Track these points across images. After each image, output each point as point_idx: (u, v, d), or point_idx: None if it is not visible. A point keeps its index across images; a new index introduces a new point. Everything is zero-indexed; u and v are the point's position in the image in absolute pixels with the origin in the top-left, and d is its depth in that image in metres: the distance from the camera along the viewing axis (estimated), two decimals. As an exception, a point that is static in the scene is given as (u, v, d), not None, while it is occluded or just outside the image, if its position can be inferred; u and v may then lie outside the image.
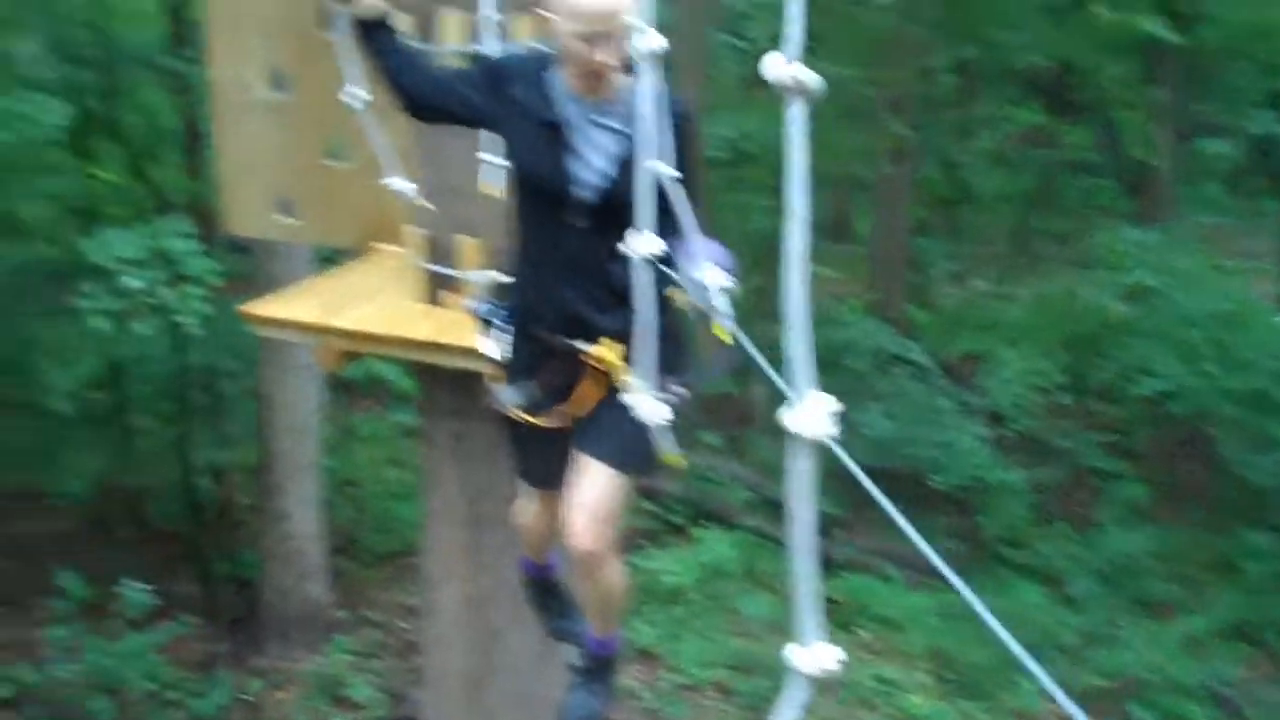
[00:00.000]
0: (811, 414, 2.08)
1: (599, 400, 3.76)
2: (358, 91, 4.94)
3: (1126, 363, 15.73)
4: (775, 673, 10.99)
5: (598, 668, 4.32)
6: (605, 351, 3.69)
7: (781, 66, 1.83)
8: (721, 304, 3.16)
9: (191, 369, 12.56)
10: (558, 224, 3.72)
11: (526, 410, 3.87)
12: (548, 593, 4.62)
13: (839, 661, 2.24)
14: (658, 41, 3.04)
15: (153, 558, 12.67)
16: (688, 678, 11.71)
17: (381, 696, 11.18)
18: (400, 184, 5.37)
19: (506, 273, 4.15)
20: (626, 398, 3.46)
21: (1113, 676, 12.07)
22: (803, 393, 2.12)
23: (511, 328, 3.92)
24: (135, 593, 10.76)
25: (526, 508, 4.28)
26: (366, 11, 3.92)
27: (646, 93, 2.98)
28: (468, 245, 5.78)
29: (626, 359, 3.60)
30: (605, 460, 3.72)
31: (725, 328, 3.14)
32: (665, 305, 3.49)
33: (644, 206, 3.17)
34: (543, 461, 3.99)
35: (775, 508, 15.38)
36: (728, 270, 3.26)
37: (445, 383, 6.13)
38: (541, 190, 3.72)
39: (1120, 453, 16.64)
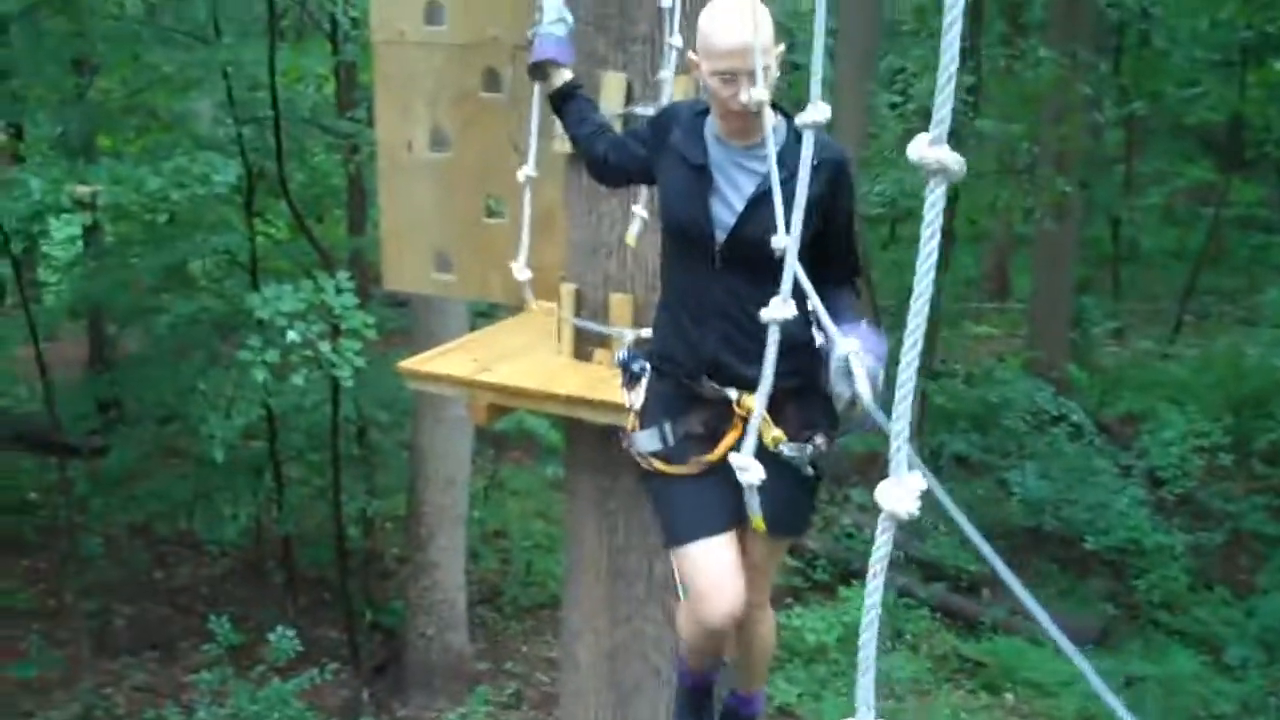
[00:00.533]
0: (903, 492, 2.14)
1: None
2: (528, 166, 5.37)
3: (1294, 425, 15.25)
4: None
5: None
6: (754, 405, 3.45)
7: (925, 148, 1.82)
8: (866, 393, 3.05)
9: (345, 420, 12.86)
10: (701, 268, 3.68)
11: (662, 457, 3.77)
12: (698, 708, 4.39)
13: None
14: (822, 114, 2.80)
15: (301, 604, 12.96)
16: (778, 639, 11.57)
17: (518, 749, 11.25)
18: (520, 270, 5.56)
19: (653, 321, 4.11)
20: (783, 451, 3.52)
21: None
22: (901, 472, 2.20)
23: (652, 373, 3.88)
24: (282, 639, 10.96)
25: (686, 614, 3.95)
26: (559, 84, 4.13)
27: (807, 158, 2.78)
28: (617, 301, 5.85)
29: (777, 414, 3.53)
30: (784, 532, 3.82)
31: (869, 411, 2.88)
32: (815, 356, 3.48)
33: (790, 261, 2.94)
34: (693, 503, 3.78)
35: (921, 567, 15.19)
36: (878, 356, 3.24)
37: (591, 437, 6.19)
38: (685, 233, 3.70)
39: (1284, 517, 16.09)
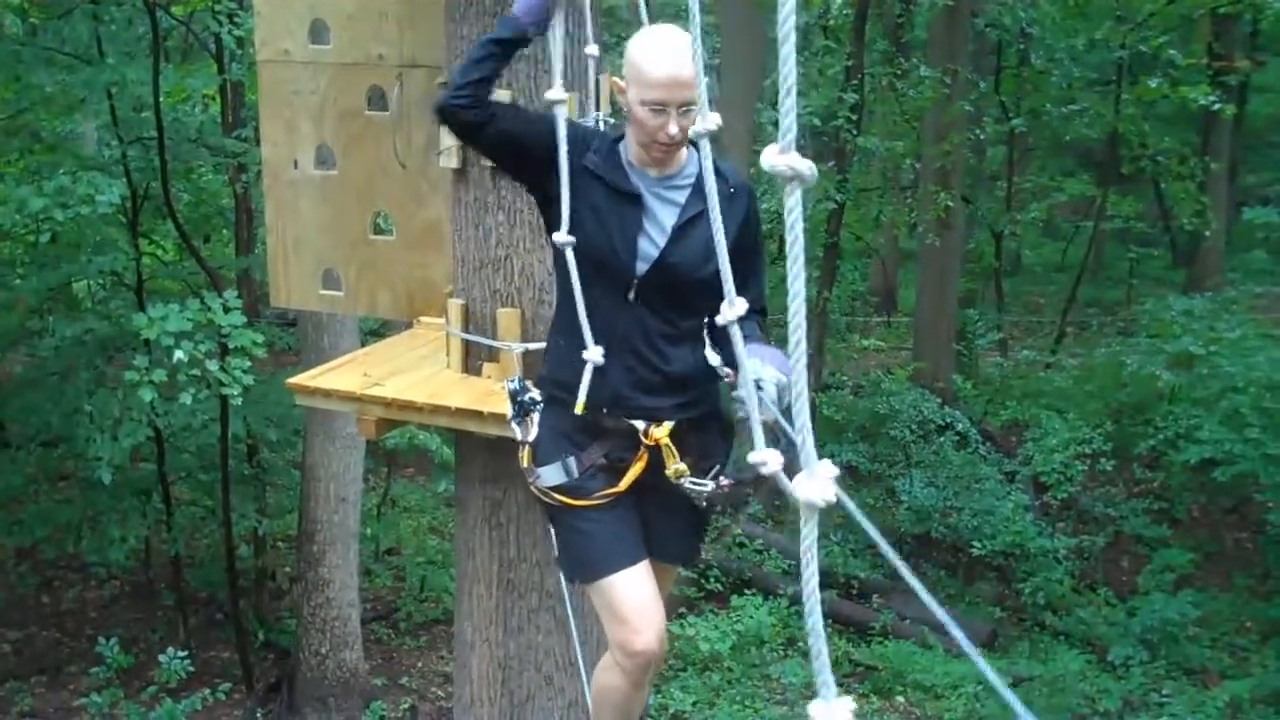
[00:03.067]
0: (818, 482, 2.25)
1: (652, 488, 3.61)
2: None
3: (1172, 430, 15.63)
4: (807, 739, 10.94)
5: None
6: (664, 437, 3.54)
7: (776, 156, 1.88)
8: (776, 403, 3.07)
9: (235, 439, 12.78)
10: (612, 299, 3.58)
11: (568, 491, 3.64)
12: None
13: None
14: (714, 121, 2.77)
15: (192, 625, 12.85)
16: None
17: (413, 764, 11.24)
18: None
19: (547, 349, 3.95)
20: (685, 485, 3.51)
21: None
22: (812, 463, 2.32)
23: (546, 404, 3.77)
24: (173, 660, 10.88)
25: (609, 660, 3.82)
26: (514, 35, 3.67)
27: (709, 170, 2.54)
28: (504, 315, 5.92)
29: (680, 444, 3.53)
30: (677, 562, 3.90)
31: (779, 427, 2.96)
32: (715, 386, 3.52)
33: (726, 281, 2.89)
34: (600, 541, 3.66)
35: (814, 576, 15.36)
36: (783, 370, 3.19)
37: (481, 450, 6.25)
38: (603, 263, 3.56)
39: (1165, 520, 16.51)
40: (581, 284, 3.55)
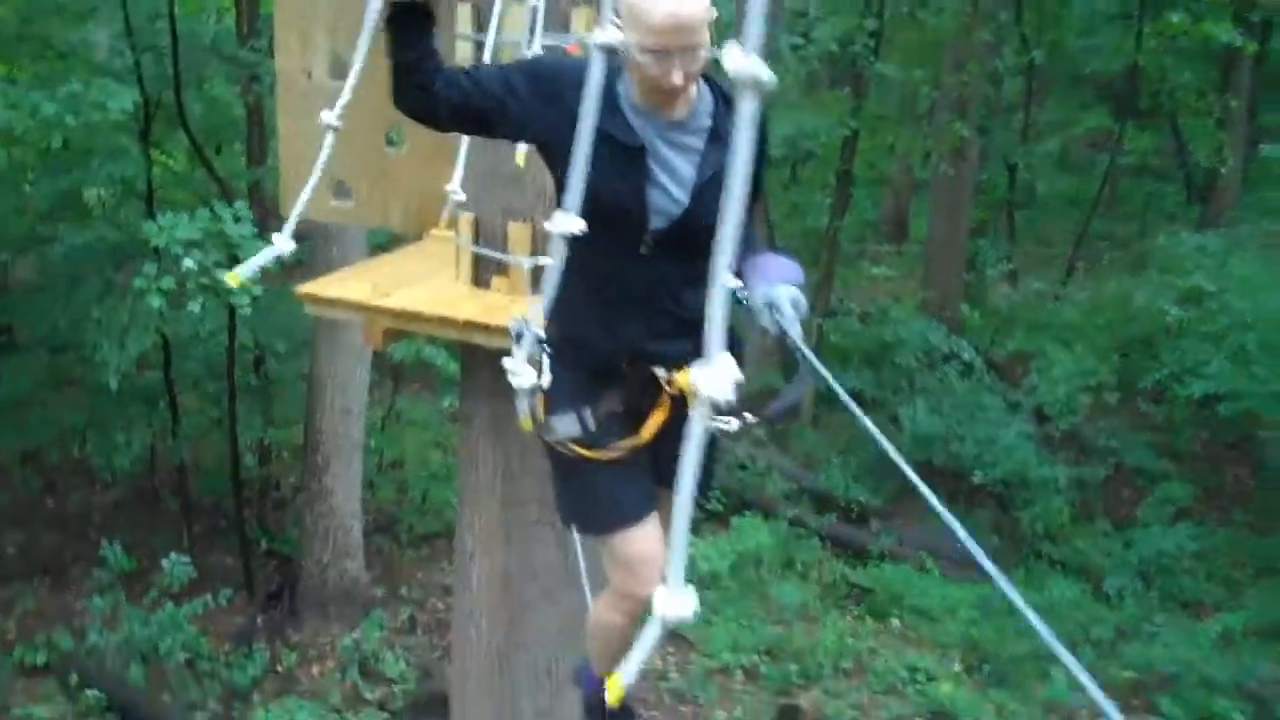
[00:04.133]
0: (717, 375, 2.29)
1: (675, 429, 3.11)
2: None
3: (1178, 366, 15.62)
4: (804, 658, 11.14)
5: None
6: (685, 380, 3.18)
7: (740, 59, 1.83)
8: (795, 328, 2.97)
9: (241, 350, 12.83)
10: (624, 254, 3.32)
11: (583, 442, 3.42)
12: (611, 716, 4.02)
13: (694, 611, 2.39)
14: (764, 72, 2.23)
15: (195, 532, 12.96)
16: (718, 662, 11.81)
17: (412, 671, 11.36)
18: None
19: (552, 302, 3.53)
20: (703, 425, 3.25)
21: (1144, 671, 12.00)
22: (714, 355, 2.32)
23: (556, 356, 3.46)
24: (176, 565, 10.99)
25: (609, 598, 3.72)
26: None
27: (745, 124, 2.20)
28: (516, 229, 5.92)
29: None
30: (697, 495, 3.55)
31: (797, 348, 2.92)
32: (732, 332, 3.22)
33: (731, 233, 2.48)
34: (612, 495, 3.48)
35: (815, 499, 15.48)
36: (799, 286, 3.05)
37: (487, 364, 6.27)
38: (610, 220, 3.23)
39: (1166, 453, 16.53)
40: (585, 237, 3.21)
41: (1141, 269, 20.08)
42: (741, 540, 13.47)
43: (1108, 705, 1.84)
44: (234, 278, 3.44)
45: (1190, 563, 14.27)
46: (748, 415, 3.15)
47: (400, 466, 15.26)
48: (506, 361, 3.49)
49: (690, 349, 3.05)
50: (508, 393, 6.34)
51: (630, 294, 3.34)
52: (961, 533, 2.11)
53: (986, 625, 12.98)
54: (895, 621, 13.28)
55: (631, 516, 3.46)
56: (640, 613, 3.57)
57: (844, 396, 2.66)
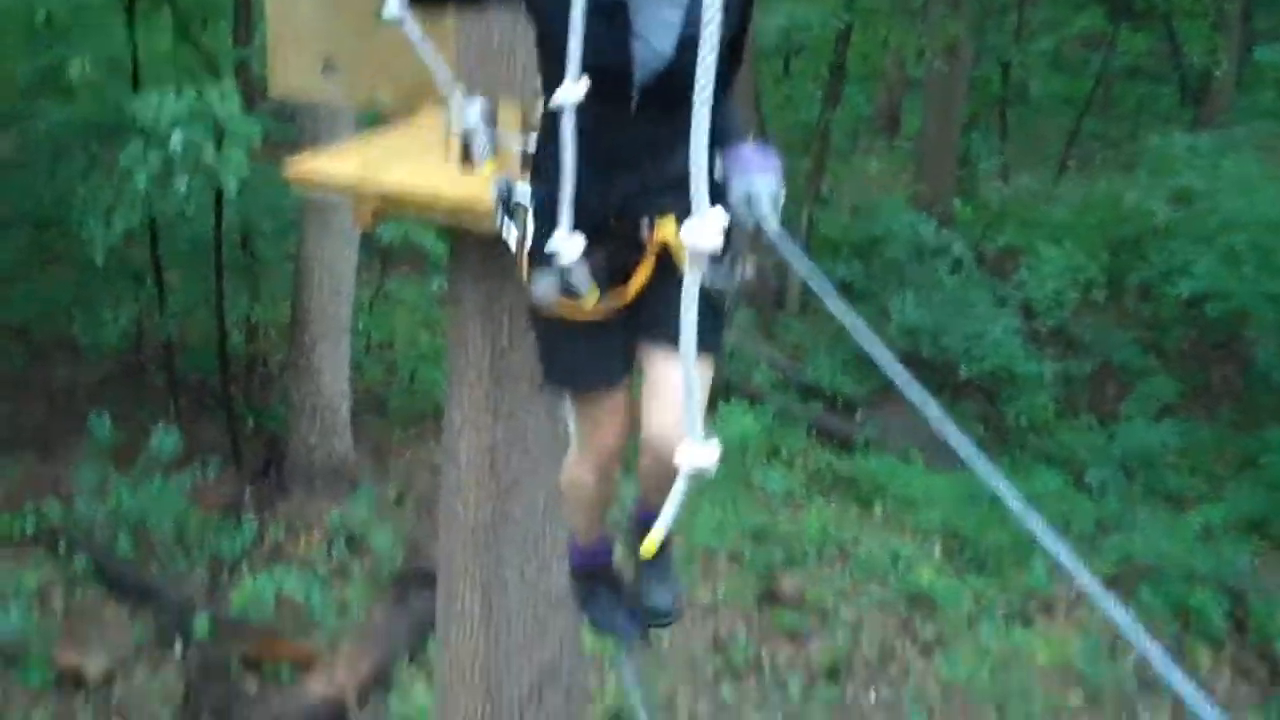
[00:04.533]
0: (703, 226, 2.45)
1: (652, 284, 3.24)
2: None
3: (1167, 265, 15.63)
4: (788, 543, 11.16)
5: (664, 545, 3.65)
6: (669, 231, 3.15)
7: None
8: (770, 216, 2.96)
9: (228, 229, 12.74)
10: (611, 112, 3.18)
11: (564, 303, 3.30)
12: (598, 582, 4.01)
13: (717, 460, 2.64)
14: None
15: (182, 407, 12.96)
16: (702, 546, 11.88)
17: (399, 546, 11.42)
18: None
19: (536, 157, 3.51)
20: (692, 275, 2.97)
21: (1124, 563, 12.13)
22: (700, 206, 2.44)
23: (541, 214, 3.33)
24: (164, 438, 10.98)
25: (576, 456, 3.69)
26: None
27: None
28: (506, 109, 5.84)
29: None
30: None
31: (772, 235, 2.94)
32: (720, 192, 3.15)
33: (706, 87, 2.51)
34: (588, 352, 3.41)
35: (801, 389, 15.53)
36: (774, 173, 3.05)
37: (476, 246, 6.23)
38: (598, 76, 3.09)
39: (1152, 351, 16.61)
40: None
41: (1133, 169, 20.02)
42: (727, 427, 13.49)
43: (1095, 587, 1.92)
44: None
45: (1173, 458, 14.39)
46: (742, 267, 3.21)
47: (388, 347, 15.25)
48: (499, 228, 3.49)
49: (676, 203, 3.05)
50: (497, 273, 6.36)
51: (619, 153, 3.24)
52: (952, 428, 2.15)
53: (968, 514, 13.08)
54: (878, 509, 13.38)
55: (601, 383, 3.42)
56: (608, 469, 3.57)
57: (823, 291, 2.71)
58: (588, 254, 3.23)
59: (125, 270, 12.82)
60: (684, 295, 2.62)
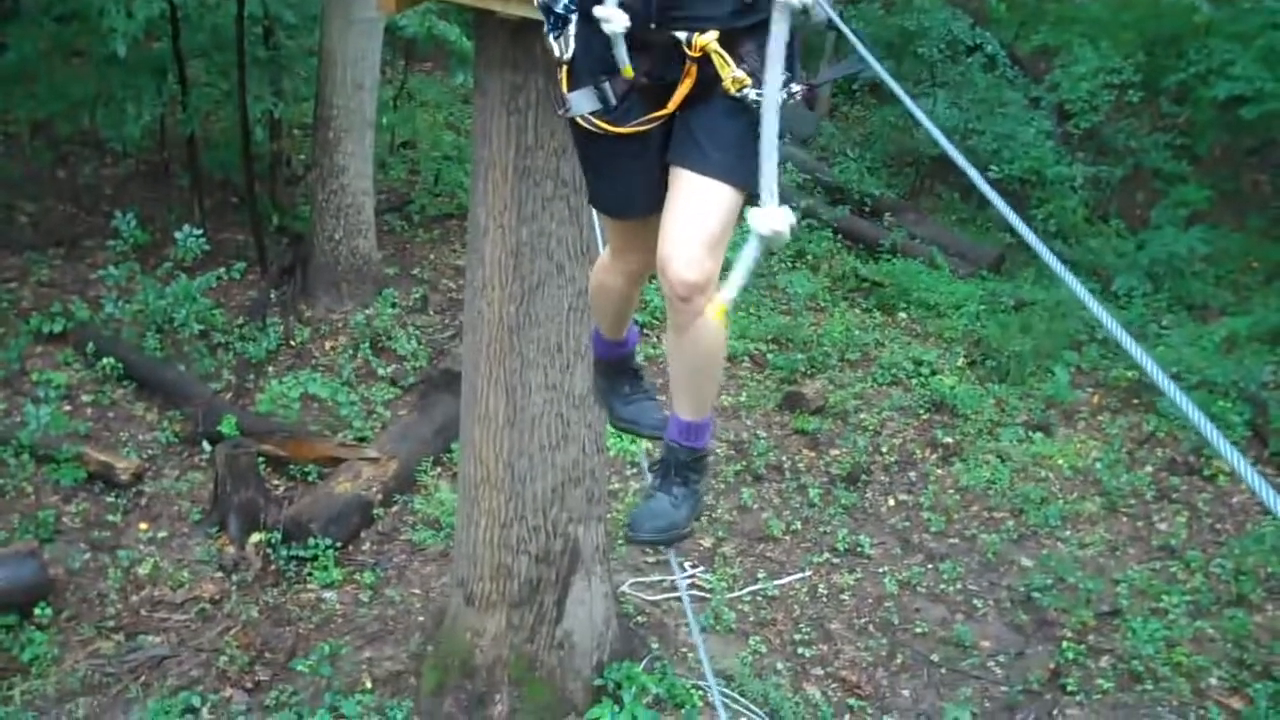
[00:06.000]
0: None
1: (695, 103, 3.07)
2: None
3: (1204, 65, 15.31)
4: (809, 346, 11.21)
5: (681, 468, 3.53)
6: (712, 44, 2.97)
7: None
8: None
9: (250, 20, 12.52)
10: None
11: (605, 117, 3.14)
12: (620, 375, 3.96)
13: (790, 226, 2.71)
14: None
15: (207, 207, 12.92)
16: (725, 350, 11.90)
17: (424, 349, 11.48)
18: None
19: None
20: (736, 96, 2.93)
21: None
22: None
23: (580, 21, 3.15)
24: (189, 238, 10.96)
25: (607, 261, 3.60)
26: None
27: None
28: None
29: (734, 54, 2.97)
30: (710, 173, 3.03)
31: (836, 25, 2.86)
32: None
33: None
34: (626, 180, 3.29)
35: (829, 191, 15.41)
36: None
37: (503, 34, 6.12)
38: None
39: (1185, 156, 16.38)
40: None
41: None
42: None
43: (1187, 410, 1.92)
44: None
45: (1201, 266, 14.30)
46: (794, 86, 3.01)
47: (412, 147, 15.13)
48: (547, 36, 3.25)
49: (722, 11, 2.95)
50: (522, 63, 6.25)
51: None
52: (1054, 262, 2.17)
53: (991, 321, 13.08)
54: (902, 315, 13.39)
55: (642, 209, 3.27)
56: (637, 279, 3.53)
57: (886, 78, 2.73)
58: (630, 58, 3.06)
59: (147, 64, 12.64)
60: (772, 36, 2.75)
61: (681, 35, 3.00)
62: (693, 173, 3.03)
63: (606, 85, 3.11)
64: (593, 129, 3.18)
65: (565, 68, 3.19)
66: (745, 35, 3.00)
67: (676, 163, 3.09)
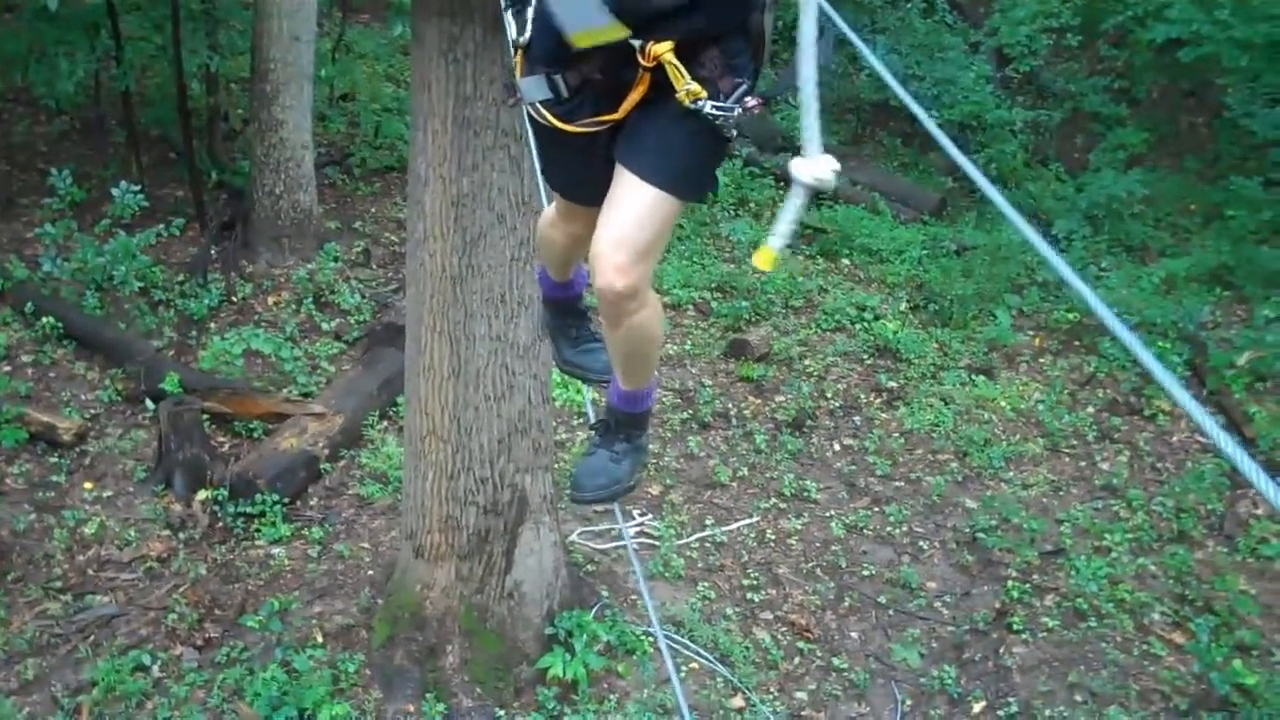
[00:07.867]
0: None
1: (649, 105, 3.02)
2: None
3: (1141, 8, 15.39)
4: (753, 294, 11.26)
5: (622, 426, 3.64)
6: (667, 51, 2.92)
7: None
8: None
9: (184, -28, 12.35)
10: None
11: (553, 111, 3.12)
12: (567, 315, 3.99)
13: (834, 171, 2.73)
14: None
15: (144, 163, 12.76)
16: (670, 298, 11.92)
17: (367, 303, 11.43)
18: None
19: None
20: (688, 105, 2.90)
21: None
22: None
23: (538, 9, 3.10)
24: (126, 194, 10.84)
25: (552, 217, 3.61)
26: None
27: None
28: None
29: (694, 60, 2.94)
30: (653, 180, 2.99)
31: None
32: (744, 5, 3.01)
33: None
34: (573, 170, 3.32)
35: (769, 137, 15.40)
36: None
37: (442, -17, 6.10)
38: None
39: (1123, 99, 16.49)
40: None
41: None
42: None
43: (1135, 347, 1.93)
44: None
45: (1139, 208, 14.42)
46: (749, 100, 2.98)
47: (351, 99, 14.99)
48: (505, 12, 3.24)
49: (681, 17, 2.89)
50: (459, 13, 6.21)
51: None
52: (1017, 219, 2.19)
53: (933, 266, 13.16)
54: (845, 261, 13.44)
55: (588, 199, 3.27)
56: (583, 240, 3.43)
57: (855, 39, 2.89)
58: (578, 64, 3.05)
59: (80, 18, 12.44)
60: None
61: (636, 43, 2.93)
62: (636, 177, 3.01)
63: (559, 77, 3.07)
64: (541, 121, 3.15)
65: (520, 52, 3.16)
66: (706, 43, 2.96)
67: (622, 161, 3.06)
